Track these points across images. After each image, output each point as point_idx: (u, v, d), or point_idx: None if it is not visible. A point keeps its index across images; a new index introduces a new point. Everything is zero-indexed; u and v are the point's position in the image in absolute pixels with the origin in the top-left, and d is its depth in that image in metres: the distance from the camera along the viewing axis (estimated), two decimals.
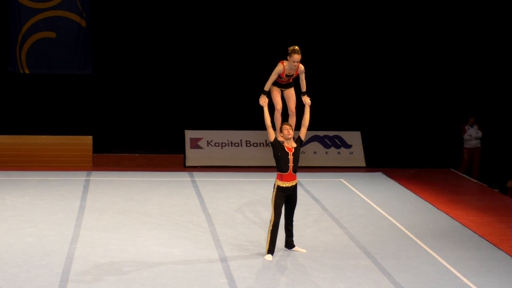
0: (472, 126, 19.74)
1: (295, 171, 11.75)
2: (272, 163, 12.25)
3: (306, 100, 12.01)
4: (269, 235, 11.73)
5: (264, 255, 11.74)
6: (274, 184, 11.77)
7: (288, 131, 11.71)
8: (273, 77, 11.95)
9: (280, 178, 11.73)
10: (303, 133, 11.88)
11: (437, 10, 20.54)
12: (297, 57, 11.77)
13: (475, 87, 20.68)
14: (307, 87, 12.11)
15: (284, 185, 11.73)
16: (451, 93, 20.71)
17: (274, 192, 11.74)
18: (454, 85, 20.69)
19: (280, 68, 11.88)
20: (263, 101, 11.93)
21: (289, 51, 11.81)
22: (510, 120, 20.55)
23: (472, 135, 19.66)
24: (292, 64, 11.81)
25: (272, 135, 11.75)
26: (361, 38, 20.39)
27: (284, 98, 12.21)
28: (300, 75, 12.04)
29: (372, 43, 20.44)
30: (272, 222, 11.71)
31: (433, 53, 20.59)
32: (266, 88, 12.02)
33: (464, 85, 20.67)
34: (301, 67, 11.97)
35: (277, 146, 11.73)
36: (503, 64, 20.64)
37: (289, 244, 12.16)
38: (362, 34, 20.38)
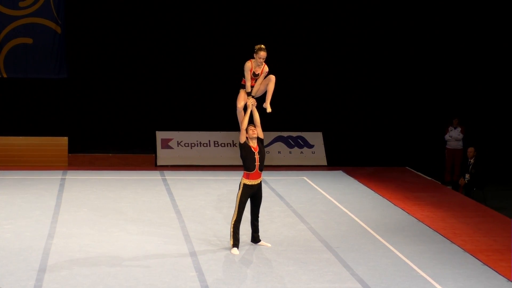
0: (455, 128, 19.23)
1: (261, 169, 11.74)
2: (239, 162, 12.22)
3: (252, 101, 11.76)
4: (232, 230, 11.73)
5: (230, 249, 11.74)
6: (240, 183, 11.75)
7: (253, 131, 11.72)
8: (247, 75, 11.74)
9: (247, 176, 11.71)
10: (259, 132, 11.85)
11: (405, 9, 20.50)
12: (263, 54, 11.66)
13: (437, 89, 20.73)
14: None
15: (250, 183, 11.71)
16: (406, 96, 20.80)
17: (240, 191, 11.73)
18: (409, 88, 20.79)
19: (248, 65, 11.72)
20: (252, 101, 11.76)
21: (255, 49, 11.68)
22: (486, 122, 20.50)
23: (452, 136, 19.20)
24: (259, 61, 11.69)
25: (244, 137, 11.71)
26: (323, 42, 20.37)
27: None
28: (260, 75, 11.86)
29: (333, 48, 20.44)
30: (234, 218, 11.73)
31: (388, 58, 20.65)
32: (248, 89, 11.80)
33: (421, 87, 20.77)
34: (266, 68, 11.85)
35: (245, 147, 11.71)
36: (472, 64, 20.69)
37: (255, 239, 12.14)
38: (323, 38, 20.35)
